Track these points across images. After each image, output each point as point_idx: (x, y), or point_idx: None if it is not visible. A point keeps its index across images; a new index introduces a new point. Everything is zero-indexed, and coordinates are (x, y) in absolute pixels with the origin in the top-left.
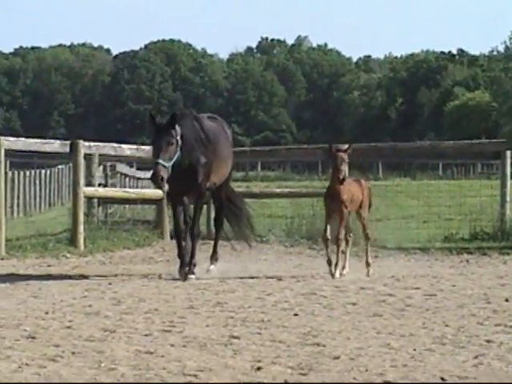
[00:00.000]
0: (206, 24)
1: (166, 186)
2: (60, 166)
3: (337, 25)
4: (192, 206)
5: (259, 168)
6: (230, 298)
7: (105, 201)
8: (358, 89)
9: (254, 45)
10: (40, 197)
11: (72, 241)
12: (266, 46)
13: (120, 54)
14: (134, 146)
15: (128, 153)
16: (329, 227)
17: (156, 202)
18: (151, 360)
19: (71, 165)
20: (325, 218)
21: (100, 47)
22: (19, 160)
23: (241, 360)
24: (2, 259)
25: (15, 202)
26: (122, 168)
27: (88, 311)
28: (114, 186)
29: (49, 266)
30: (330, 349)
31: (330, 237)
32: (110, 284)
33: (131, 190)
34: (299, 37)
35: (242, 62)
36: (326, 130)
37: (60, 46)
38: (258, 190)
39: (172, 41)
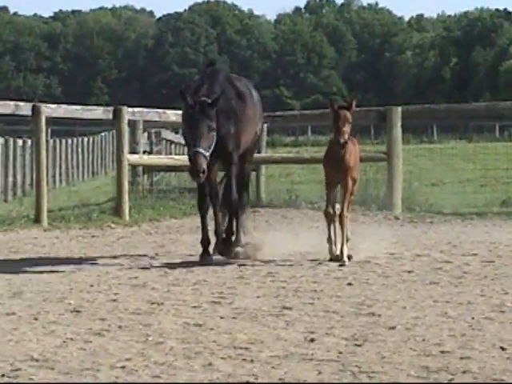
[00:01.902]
0: None
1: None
2: (103, 134)
3: None
4: (224, 179)
5: (309, 132)
6: (282, 267)
7: (150, 169)
8: (410, 49)
9: (302, 5)
10: (83, 165)
11: (117, 211)
12: (315, 6)
13: (163, 16)
14: (180, 112)
15: (173, 119)
16: (332, 199)
17: None
18: (200, 333)
19: (115, 132)
20: (326, 189)
21: (142, 10)
22: (61, 128)
23: (293, 331)
24: (45, 230)
25: (57, 171)
26: (167, 134)
27: (134, 283)
28: (159, 153)
29: (93, 236)
30: (386, 319)
31: (333, 211)
32: (156, 254)
33: (177, 157)
34: None
35: (290, 23)
36: (378, 92)
37: (101, 9)
38: (308, 155)
39: (217, 2)
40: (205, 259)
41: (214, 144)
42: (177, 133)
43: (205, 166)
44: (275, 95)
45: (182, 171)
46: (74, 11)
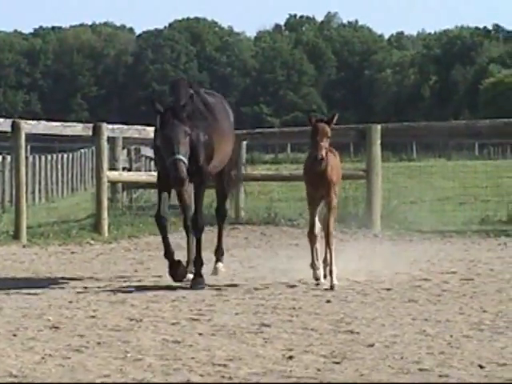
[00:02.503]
0: (232, 1)
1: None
2: (82, 150)
3: (367, 1)
4: (192, 194)
5: (289, 150)
6: (260, 284)
7: (129, 185)
8: (390, 67)
9: (282, 22)
10: (62, 182)
11: (96, 227)
12: (295, 24)
13: (143, 33)
14: None
15: (153, 135)
16: (316, 219)
17: None
18: (179, 350)
19: (94, 148)
20: (308, 207)
21: (123, 26)
22: (40, 144)
23: (272, 349)
24: (24, 246)
25: (36, 187)
26: (146, 151)
27: (113, 300)
28: (138, 169)
29: (72, 253)
30: (364, 336)
31: (317, 232)
32: (135, 271)
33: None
34: (329, 13)
35: (269, 40)
36: (358, 110)
37: (81, 25)
38: (287, 172)
39: (197, 19)
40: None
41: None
42: None
43: (186, 174)
44: (255, 112)
45: None
46: (54, 27)
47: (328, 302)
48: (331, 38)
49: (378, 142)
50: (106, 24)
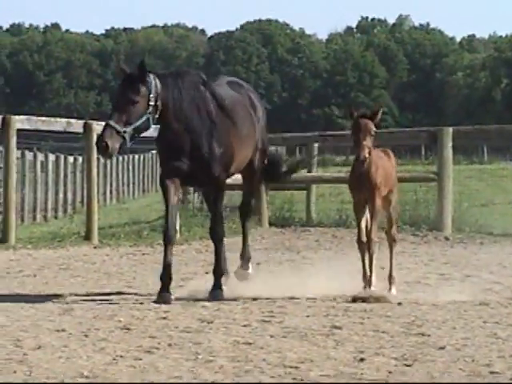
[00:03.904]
0: (304, 3)
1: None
2: (154, 151)
3: (439, 3)
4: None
5: None
6: (333, 286)
7: None
8: (461, 69)
9: (353, 24)
10: (133, 183)
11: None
12: (366, 26)
13: (215, 34)
14: None
15: None
16: (363, 225)
17: None
18: (250, 351)
19: None
20: (354, 213)
21: (194, 28)
22: None
23: (343, 351)
24: (95, 248)
25: (108, 188)
26: None
27: (184, 301)
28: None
29: (143, 254)
30: (435, 339)
31: (365, 239)
32: (206, 273)
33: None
34: (400, 16)
35: (341, 43)
36: (429, 113)
37: (153, 26)
38: None
39: (269, 20)
40: (162, 297)
41: (144, 117)
42: None
43: (112, 142)
44: (326, 114)
45: (232, 189)
46: (125, 29)
47: (399, 304)
48: (403, 41)
49: (450, 144)
50: (177, 25)
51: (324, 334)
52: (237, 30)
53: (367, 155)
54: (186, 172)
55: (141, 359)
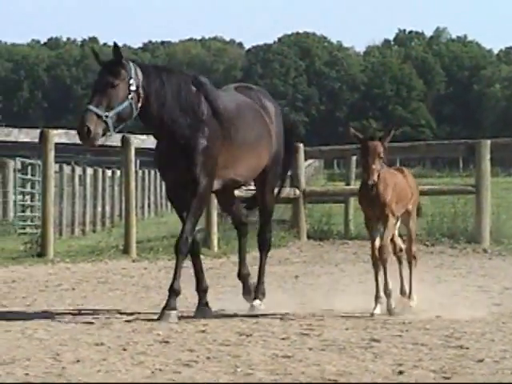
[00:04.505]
0: (341, 16)
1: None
2: None
3: (477, 15)
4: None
5: (398, 164)
6: (370, 300)
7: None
8: (499, 82)
9: (391, 37)
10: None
11: (206, 242)
12: (404, 38)
13: (253, 47)
14: None
15: None
16: (377, 242)
17: (292, 201)
18: (289, 364)
19: None
20: (366, 230)
21: (232, 41)
22: (149, 159)
23: (382, 364)
24: (134, 261)
25: (146, 202)
26: None
27: (223, 314)
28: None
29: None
30: (474, 351)
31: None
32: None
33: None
34: (438, 28)
35: (378, 55)
36: (467, 125)
37: (190, 40)
38: None
39: (306, 33)
40: (201, 312)
41: (126, 103)
42: None
43: (94, 126)
44: (364, 127)
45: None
46: (163, 42)
47: (437, 317)
48: (440, 53)
49: (488, 157)
50: (215, 39)
51: (363, 346)
52: (274, 43)
53: (376, 179)
54: (178, 177)
55: (180, 372)
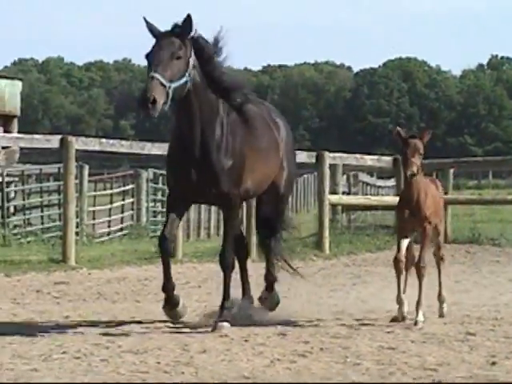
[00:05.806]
0: (439, 42)
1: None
2: (305, 175)
3: None
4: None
5: (490, 176)
6: (466, 297)
7: (348, 207)
8: None
9: (484, 61)
10: (289, 203)
11: (318, 244)
12: (496, 63)
13: (360, 71)
14: (375, 157)
15: (369, 163)
16: (404, 246)
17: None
18: (393, 355)
19: (316, 174)
20: (397, 234)
21: (342, 65)
22: None
23: (477, 355)
24: (253, 261)
25: None
26: (363, 177)
27: (333, 310)
28: (356, 193)
29: (297, 267)
30: None
31: (404, 259)
32: (353, 284)
33: (372, 198)
34: None
35: (473, 78)
36: None
37: (305, 63)
38: (490, 197)
39: (408, 59)
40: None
41: (184, 79)
42: (372, 176)
43: (159, 96)
44: (460, 143)
45: (376, 210)
46: (280, 66)
47: None
48: None
49: None
50: (326, 63)
51: (459, 339)
52: (380, 66)
53: (415, 171)
54: (195, 185)
55: (295, 362)
